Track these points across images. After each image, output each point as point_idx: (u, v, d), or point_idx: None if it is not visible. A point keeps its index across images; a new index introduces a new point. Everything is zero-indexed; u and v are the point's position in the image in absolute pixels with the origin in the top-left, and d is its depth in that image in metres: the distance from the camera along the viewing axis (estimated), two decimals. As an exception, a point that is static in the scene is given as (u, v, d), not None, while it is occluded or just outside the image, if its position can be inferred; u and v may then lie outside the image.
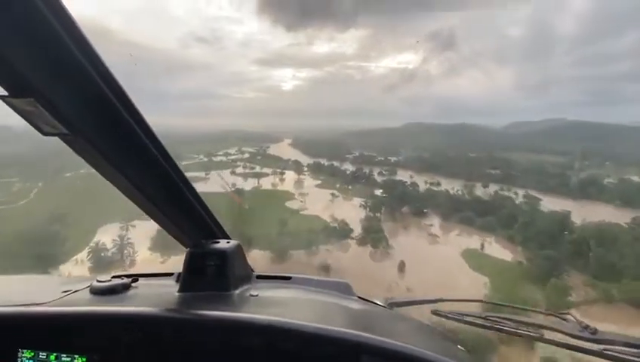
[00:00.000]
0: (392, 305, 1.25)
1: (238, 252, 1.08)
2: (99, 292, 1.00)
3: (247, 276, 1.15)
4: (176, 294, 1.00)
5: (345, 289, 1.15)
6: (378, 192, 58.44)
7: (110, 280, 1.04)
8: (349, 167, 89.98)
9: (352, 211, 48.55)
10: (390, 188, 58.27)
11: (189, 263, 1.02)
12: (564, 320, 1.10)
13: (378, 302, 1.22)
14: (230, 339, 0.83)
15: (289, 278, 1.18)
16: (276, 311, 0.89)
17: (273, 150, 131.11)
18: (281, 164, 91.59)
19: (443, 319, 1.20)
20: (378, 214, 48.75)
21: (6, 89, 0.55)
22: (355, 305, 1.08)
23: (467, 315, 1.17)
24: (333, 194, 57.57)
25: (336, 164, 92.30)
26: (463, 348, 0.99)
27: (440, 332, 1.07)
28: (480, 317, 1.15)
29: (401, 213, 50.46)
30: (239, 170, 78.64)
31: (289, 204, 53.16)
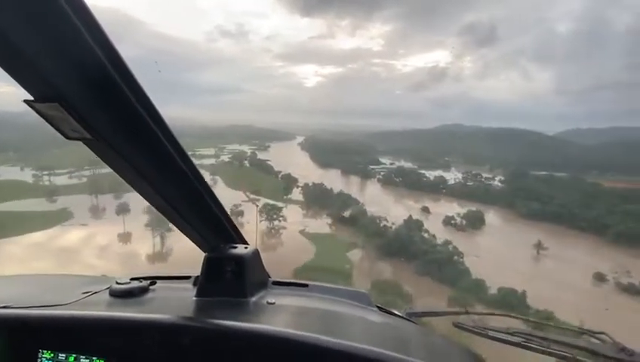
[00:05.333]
0: (412, 315, 1.22)
1: (256, 257, 1.09)
2: (118, 295, 1.03)
3: (264, 282, 1.15)
4: (194, 299, 1.01)
5: (363, 299, 1.14)
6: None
7: (129, 283, 1.07)
8: (377, 195, 49.39)
9: None
10: None
11: (206, 268, 1.04)
12: (599, 340, 1.05)
13: (397, 313, 1.20)
14: (247, 350, 0.84)
15: (306, 286, 1.17)
16: (294, 322, 0.92)
17: (274, 152, 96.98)
18: (262, 182, 52.52)
19: (465, 332, 1.17)
20: None
21: (32, 93, 0.56)
22: (375, 317, 1.08)
23: (492, 330, 1.13)
24: None
25: (353, 187, 51.63)
26: None
27: (463, 348, 1.03)
28: (507, 333, 1.10)
29: None
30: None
31: None
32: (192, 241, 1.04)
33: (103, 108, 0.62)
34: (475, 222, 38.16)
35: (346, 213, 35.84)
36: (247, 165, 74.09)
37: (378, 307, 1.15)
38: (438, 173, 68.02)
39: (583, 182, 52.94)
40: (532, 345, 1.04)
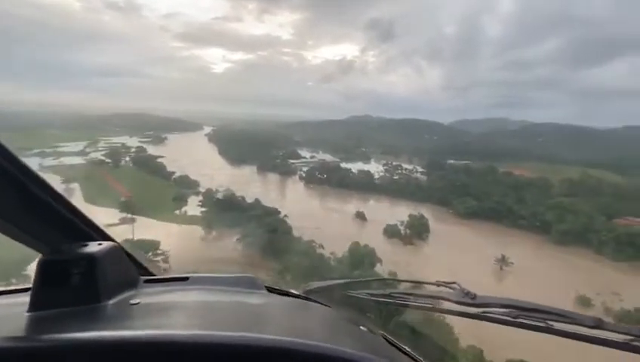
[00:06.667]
0: (309, 292, 1.28)
1: (116, 254, 0.92)
2: None
3: (131, 282, 0.97)
4: (26, 315, 0.81)
5: (250, 284, 1.06)
6: None
7: None
8: (302, 200, 40.92)
9: None
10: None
11: (41, 274, 0.84)
12: (451, 289, 1.19)
13: (294, 292, 1.20)
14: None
15: (186, 279, 1.04)
16: (159, 322, 0.79)
17: (173, 145, 79.60)
18: (144, 190, 38.72)
19: (354, 300, 1.34)
20: None
21: None
22: (262, 300, 1.01)
23: (373, 294, 1.30)
24: None
25: (272, 189, 41.74)
26: (364, 328, 1.02)
27: (345, 316, 1.11)
28: (385, 295, 1.28)
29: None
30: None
31: None
32: (28, 246, 0.88)
33: None
34: (420, 230, 32.79)
35: (266, 236, 25.42)
36: (131, 165, 56.66)
37: (268, 288, 1.07)
38: (359, 165, 63.87)
39: (496, 171, 53.47)
40: (405, 302, 1.24)
